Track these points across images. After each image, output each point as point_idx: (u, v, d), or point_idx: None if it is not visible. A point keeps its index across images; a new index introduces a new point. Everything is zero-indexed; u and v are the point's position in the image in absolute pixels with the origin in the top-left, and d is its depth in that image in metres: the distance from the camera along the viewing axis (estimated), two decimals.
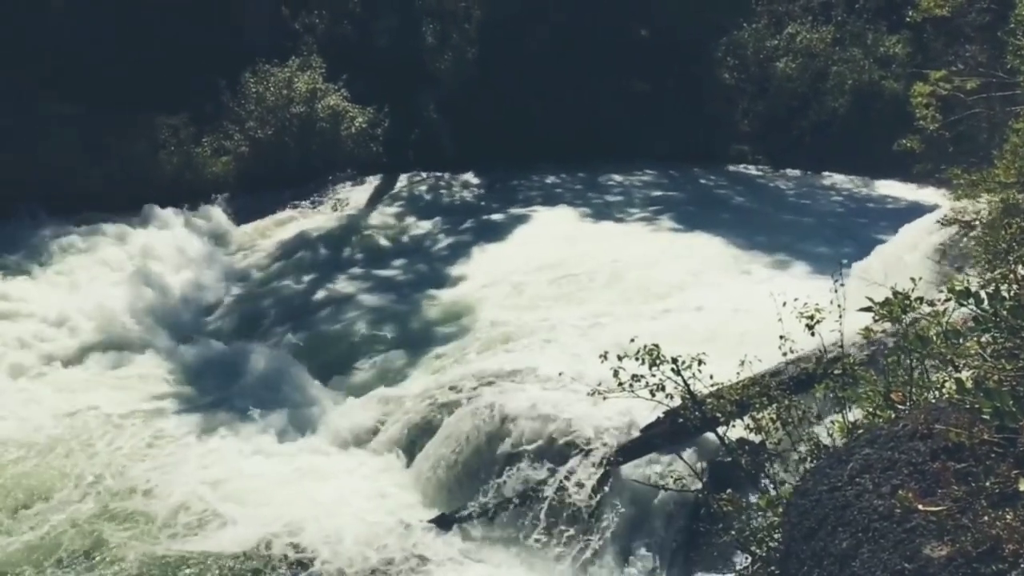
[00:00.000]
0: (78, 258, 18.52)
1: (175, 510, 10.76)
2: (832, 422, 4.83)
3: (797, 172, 27.17)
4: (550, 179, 25.45)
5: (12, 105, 21.24)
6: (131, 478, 11.43)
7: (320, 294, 17.61)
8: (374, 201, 23.78)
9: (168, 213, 21.40)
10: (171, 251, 19.42)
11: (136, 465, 11.78)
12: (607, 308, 14.62)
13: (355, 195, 24.04)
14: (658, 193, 24.30)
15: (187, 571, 9.77)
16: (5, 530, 10.40)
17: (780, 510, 4.32)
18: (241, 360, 14.72)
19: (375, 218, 22.36)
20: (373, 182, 24.89)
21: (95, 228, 19.88)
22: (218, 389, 13.89)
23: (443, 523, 10.41)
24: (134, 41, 23.23)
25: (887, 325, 4.44)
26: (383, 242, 20.72)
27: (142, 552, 9.96)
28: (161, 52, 23.24)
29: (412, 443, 11.78)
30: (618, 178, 25.64)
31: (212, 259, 20.00)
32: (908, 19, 13.73)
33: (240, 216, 22.50)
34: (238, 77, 24.19)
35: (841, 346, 5.16)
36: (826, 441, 4.86)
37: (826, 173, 26.73)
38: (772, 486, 5.10)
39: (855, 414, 4.72)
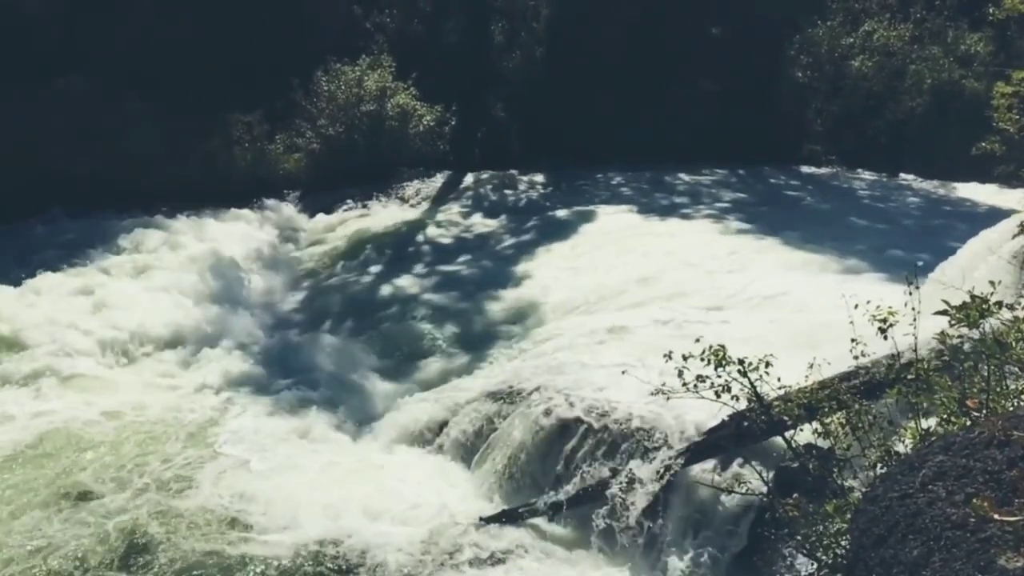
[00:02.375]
0: (154, 251, 19.05)
1: (226, 510, 10.62)
2: (904, 428, 4.71)
3: (871, 173, 26.53)
4: (616, 179, 25.30)
5: (98, 103, 22.13)
6: (186, 477, 11.35)
7: (385, 290, 17.84)
8: (440, 199, 24.00)
9: (242, 208, 21.96)
10: (243, 246, 19.90)
11: (192, 462, 11.73)
12: (672, 308, 14.47)
13: (422, 192, 24.30)
14: (727, 193, 23.98)
15: (236, 573, 9.54)
16: (49, 529, 10.15)
17: (848, 516, 4.23)
18: (307, 355, 14.97)
19: (441, 215, 22.55)
20: (439, 180, 25.11)
21: (172, 222, 20.46)
22: (281, 383, 14.08)
23: (504, 520, 10.44)
24: (212, 41, 23.87)
25: (964, 330, 4.31)
26: (448, 240, 20.89)
27: (189, 553, 9.76)
28: (237, 51, 23.85)
29: (474, 440, 11.83)
30: (686, 178, 25.38)
31: (282, 254, 20.47)
32: (991, 16, 13.27)
33: (310, 212, 23.00)
34: (311, 76, 24.68)
35: (915, 351, 5.02)
36: (898, 448, 4.74)
37: (902, 175, 26.03)
38: (840, 492, 4.99)
39: (928, 421, 4.60)
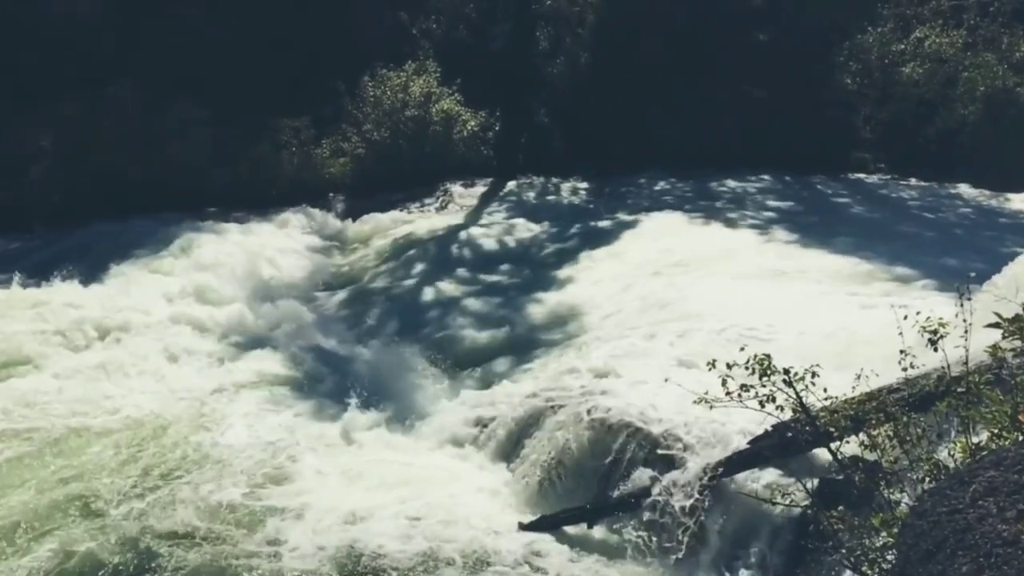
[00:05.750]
0: (201, 254, 19.31)
1: (253, 513, 10.52)
2: (954, 442, 4.63)
3: (922, 182, 26.01)
4: (660, 185, 25.16)
5: (149, 109, 22.62)
6: (216, 481, 11.20)
7: (428, 295, 17.93)
8: (483, 204, 24.08)
9: (288, 212, 22.23)
10: (289, 249, 20.15)
11: (224, 465, 11.65)
12: (716, 318, 14.34)
13: (465, 197, 24.38)
14: (773, 201, 23.71)
15: None
16: (60, 536, 9.87)
17: (895, 530, 4.17)
18: (347, 358, 15.06)
19: (484, 221, 22.61)
20: (483, 185, 25.17)
21: (219, 225, 20.78)
22: (320, 386, 14.14)
23: (542, 527, 10.41)
24: (260, 48, 24.26)
25: (1017, 343, 4.22)
26: (491, 245, 20.93)
27: (206, 560, 9.57)
28: (285, 58, 24.22)
29: (513, 446, 11.81)
30: (731, 184, 25.15)
31: (327, 257, 20.68)
32: None
33: (355, 216, 23.21)
34: (357, 81, 24.95)
35: (966, 363, 4.93)
36: (947, 462, 4.66)
37: (953, 184, 25.50)
38: (887, 506, 4.91)
39: (979, 435, 4.51)
